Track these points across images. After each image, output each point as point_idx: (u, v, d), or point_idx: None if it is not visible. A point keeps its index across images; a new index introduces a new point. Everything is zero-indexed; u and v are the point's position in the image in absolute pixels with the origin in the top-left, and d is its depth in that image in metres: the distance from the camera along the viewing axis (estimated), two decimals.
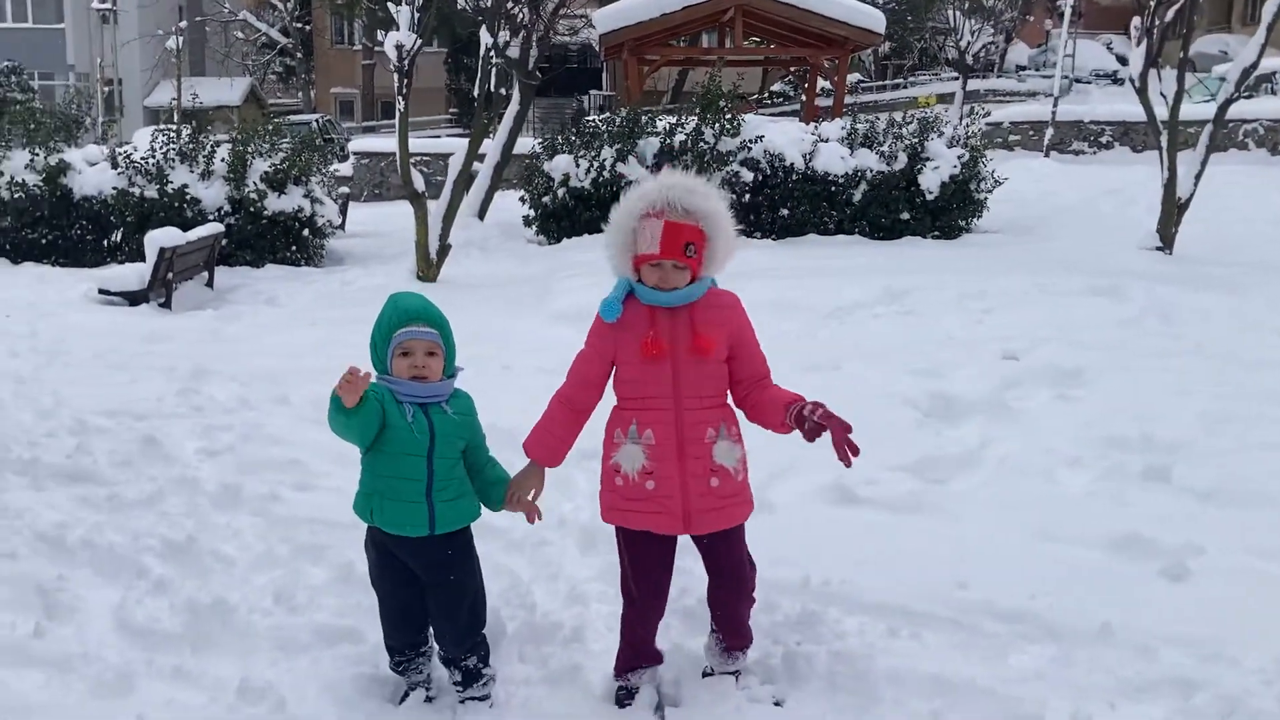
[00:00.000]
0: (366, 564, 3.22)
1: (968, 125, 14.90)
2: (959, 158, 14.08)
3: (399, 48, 12.21)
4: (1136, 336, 7.85)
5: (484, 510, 3.20)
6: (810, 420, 2.89)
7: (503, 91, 16.14)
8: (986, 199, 14.44)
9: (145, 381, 7.23)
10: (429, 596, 3.13)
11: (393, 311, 3.01)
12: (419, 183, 12.97)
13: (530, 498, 3.14)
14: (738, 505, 3.07)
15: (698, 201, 2.89)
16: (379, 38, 18.52)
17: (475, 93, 14.25)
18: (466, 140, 16.18)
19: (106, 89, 34.71)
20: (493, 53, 13.83)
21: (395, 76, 12.47)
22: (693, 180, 2.95)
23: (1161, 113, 12.45)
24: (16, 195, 13.98)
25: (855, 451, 2.87)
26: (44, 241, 14.20)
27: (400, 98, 12.62)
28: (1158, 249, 12.15)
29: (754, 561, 3.23)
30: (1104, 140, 25.04)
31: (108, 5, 34.43)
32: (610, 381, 3.11)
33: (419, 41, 12.37)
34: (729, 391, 3.09)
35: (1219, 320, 8.30)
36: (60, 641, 3.50)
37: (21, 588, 3.82)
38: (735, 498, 3.05)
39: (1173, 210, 12.25)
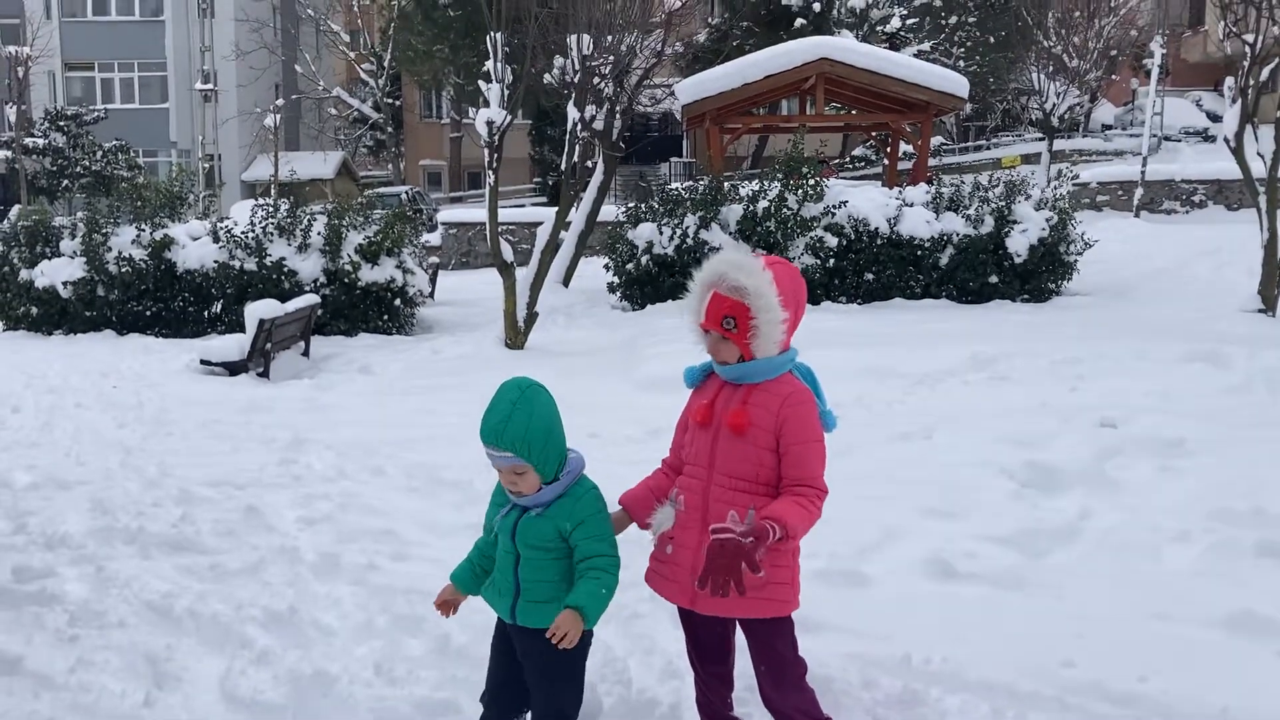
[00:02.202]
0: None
1: (1055, 187, 14.72)
2: (1047, 220, 13.91)
3: (489, 124, 12.54)
4: (1241, 405, 7.60)
5: None
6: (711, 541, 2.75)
7: (588, 163, 16.44)
8: (1076, 261, 14.23)
9: (246, 451, 7.44)
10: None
11: (481, 424, 2.92)
12: (507, 253, 13.24)
13: None
14: (752, 601, 2.88)
15: (741, 278, 2.93)
16: (470, 114, 19.02)
17: (562, 165, 14.55)
18: (551, 210, 16.49)
19: (207, 165, 36.18)
20: (579, 126, 14.14)
21: (485, 151, 12.80)
22: (744, 258, 2.98)
23: (1258, 170, 12.17)
24: (124, 269, 14.57)
25: (703, 585, 2.72)
26: (148, 313, 14.77)
27: (490, 172, 12.93)
28: (1259, 311, 11.81)
29: (800, 659, 3.10)
30: (1196, 199, 24.54)
31: (209, 86, 36.10)
32: None
33: (509, 117, 12.70)
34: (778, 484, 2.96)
35: None
36: (169, 710, 3.58)
37: (132, 656, 3.94)
38: (750, 591, 2.81)
39: (1274, 271, 11.93)
